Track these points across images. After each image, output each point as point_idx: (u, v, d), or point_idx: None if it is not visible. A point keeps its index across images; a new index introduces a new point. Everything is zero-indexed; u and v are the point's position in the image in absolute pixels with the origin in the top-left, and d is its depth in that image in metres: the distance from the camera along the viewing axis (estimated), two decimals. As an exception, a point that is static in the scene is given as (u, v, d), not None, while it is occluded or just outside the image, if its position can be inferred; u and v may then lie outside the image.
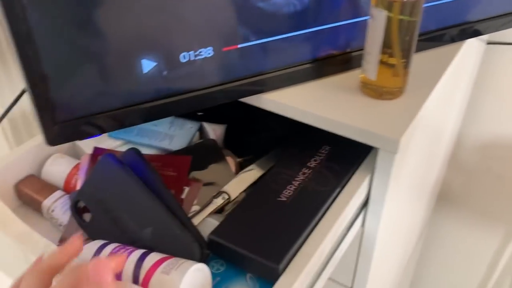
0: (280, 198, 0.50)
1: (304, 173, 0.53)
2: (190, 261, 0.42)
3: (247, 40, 0.50)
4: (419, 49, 0.60)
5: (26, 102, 0.55)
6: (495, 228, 1.10)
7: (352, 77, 0.57)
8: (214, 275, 0.46)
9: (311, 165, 0.54)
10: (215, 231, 0.47)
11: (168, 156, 0.58)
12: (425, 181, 0.82)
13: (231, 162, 0.59)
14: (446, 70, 0.58)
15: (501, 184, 1.03)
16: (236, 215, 0.49)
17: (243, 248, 0.44)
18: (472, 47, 0.72)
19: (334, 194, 0.50)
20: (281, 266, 0.42)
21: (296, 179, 0.52)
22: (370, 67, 0.52)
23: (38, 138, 0.59)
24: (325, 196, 0.50)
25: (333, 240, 0.49)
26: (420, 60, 0.58)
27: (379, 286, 0.76)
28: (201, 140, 0.63)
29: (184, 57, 0.47)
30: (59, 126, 0.44)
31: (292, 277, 0.41)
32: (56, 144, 0.46)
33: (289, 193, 0.50)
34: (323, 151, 0.57)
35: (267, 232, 0.46)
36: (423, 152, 0.67)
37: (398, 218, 0.67)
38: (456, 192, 1.11)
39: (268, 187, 0.52)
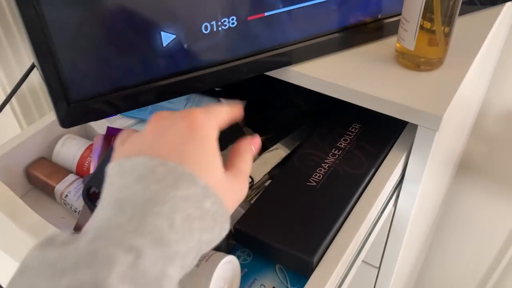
0: (310, 182, 0.46)
1: (334, 155, 0.49)
2: (220, 253, 0.39)
3: (274, 7, 0.45)
4: (460, 13, 0.55)
5: (35, 77, 0.51)
6: (517, 199, 1.07)
7: (385, 46, 0.52)
8: (241, 266, 0.43)
9: (341, 146, 0.50)
10: (241, 221, 0.43)
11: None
12: (454, 153, 0.78)
13: (253, 140, 0.55)
14: (486, 37, 0.53)
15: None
16: (263, 202, 0.45)
17: (272, 239, 0.41)
18: (508, 11, 0.66)
19: (368, 178, 0.46)
20: (315, 259, 0.39)
21: (326, 161, 0.49)
22: (408, 35, 0.47)
23: (47, 118, 0.55)
24: (358, 180, 0.46)
25: (368, 225, 0.45)
26: (459, 26, 0.54)
27: (406, 261, 0.73)
28: (220, 117, 0.59)
29: (206, 28, 0.43)
30: (73, 107, 0.41)
31: (327, 270, 0.38)
32: (71, 126, 0.42)
33: (318, 177, 0.47)
34: (353, 130, 0.53)
35: (297, 221, 0.42)
36: (457, 125, 0.63)
37: (430, 195, 0.64)
38: (477, 161, 1.07)
39: (295, 170, 0.48)
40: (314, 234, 0.40)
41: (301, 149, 0.51)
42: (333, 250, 0.40)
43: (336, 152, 0.50)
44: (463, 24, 0.55)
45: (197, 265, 0.38)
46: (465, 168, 1.09)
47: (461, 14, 0.56)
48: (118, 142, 0.35)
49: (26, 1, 0.35)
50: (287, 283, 0.41)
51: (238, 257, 0.44)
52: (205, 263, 0.38)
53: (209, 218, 0.29)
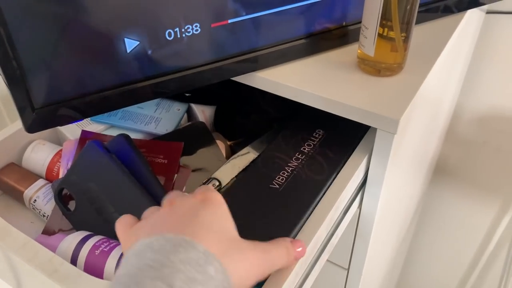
0: (273, 185, 0.47)
1: (297, 159, 0.50)
2: None
3: (237, 14, 0.46)
4: (418, 21, 0.57)
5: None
6: (491, 201, 1.09)
7: (349, 52, 0.54)
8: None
9: (305, 150, 0.52)
10: None
11: (159, 142, 0.55)
12: (423, 156, 0.80)
13: (221, 146, 0.56)
14: (447, 43, 0.55)
15: (498, 156, 1.01)
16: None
17: None
18: (472, 17, 0.68)
19: (328, 183, 0.47)
20: None
21: (290, 165, 0.50)
22: (368, 42, 0.48)
23: (17, 124, 0.56)
24: (319, 185, 0.47)
25: (329, 226, 0.46)
26: (419, 33, 0.55)
27: (376, 263, 0.75)
28: (189, 123, 0.60)
29: (169, 34, 0.44)
30: (38, 112, 0.41)
31: (286, 268, 0.39)
32: (36, 131, 0.43)
33: (281, 179, 0.48)
34: (316, 136, 0.54)
35: (259, 223, 0.43)
36: (423, 129, 0.64)
37: (396, 197, 0.65)
38: (453, 165, 1.09)
39: (258, 173, 0.49)
40: (275, 236, 0.41)
41: (266, 151, 0.52)
42: (293, 250, 0.41)
43: (299, 156, 0.51)
44: (424, 30, 0.56)
45: None
46: (441, 171, 1.12)
47: (422, 21, 0.58)
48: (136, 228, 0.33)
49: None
50: (249, 283, 0.42)
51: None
52: None
53: (213, 285, 0.27)
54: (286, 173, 0.48)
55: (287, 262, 0.38)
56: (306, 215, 0.44)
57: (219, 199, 0.35)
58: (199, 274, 0.26)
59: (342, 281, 0.66)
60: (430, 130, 0.75)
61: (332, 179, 0.48)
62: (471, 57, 0.90)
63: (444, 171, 1.11)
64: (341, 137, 0.52)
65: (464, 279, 1.29)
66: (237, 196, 0.47)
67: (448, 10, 0.59)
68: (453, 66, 0.70)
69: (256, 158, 0.52)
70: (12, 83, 0.39)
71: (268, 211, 0.44)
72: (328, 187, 0.47)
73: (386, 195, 0.55)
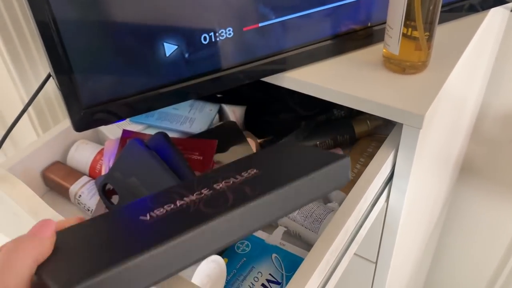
0: (144, 216, 0.36)
1: (200, 193, 0.38)
2: None
3: (267, 18, 0.49)
4: (442, 20, 0.59)
5: (50, 88, 0.56)
6: (519, 200, 1.09)
7: (374, 52, 0.56)
8: (240, 256, 0.46)
9: (217, 187, 0.38)
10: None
11: (194, 140, 0.58)
12: (449, 153, 0.81)
13: (252, 143, 0.59)
14: (470, 41, 0.56)
15: (525, 155, 1.01)
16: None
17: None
18: (496, 16, 0.70)
19: (210, 220, 0.33)
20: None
21: (185, 199, 0.37)
22: (393, 41, 0.51)
23: (62, 125, 0.60)
24: (200, 218, 0.33)
25: (358, 217, 0.49)
26: (444, 32, 0.57)
27: (404, 260, 0.76)
28: (221, 122, 0.63)
29: (205, 38, 0.47)
30: (85, 112, 0.45)
31: (317, 257, 0.42)
32: (83, 130, 0.46)
33: (161, 212, 0.36)
34: (247, 173, 0.40)
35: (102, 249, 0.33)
36: (447, 125, 0.66)
37: (422, 191, 0.67)
38: (479, 164, 1.09)
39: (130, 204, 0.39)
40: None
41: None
42: (322, 240, 0.43)
43: (204, 191, 0.38)
44: (448, 29, 0.58)
45: None
46: (467, 171, 1.12)
47: (446, 20, 0.59)
48: None
49: (44, 24, 0.39)
50: (282, 270, 0.44)
51: (237, 248, 0.47)
52: None
53: None
54: (169, 207, 0.36)
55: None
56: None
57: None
58: None
59: (371, 275, 0.67)
60: (455, 128, 0.76)
61: (218, 220, 0.33)
62: (496, 55, 0.90)
63: (470, 170, 1.11)
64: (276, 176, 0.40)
65: (492, 279, 1.28)
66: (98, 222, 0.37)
67: (472, 9, 0.60)
68: (477, 64, 0.72)
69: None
70: (63, 86, 0.43)
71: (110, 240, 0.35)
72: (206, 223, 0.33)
73: (412, 189, 0.57)
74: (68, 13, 0.40)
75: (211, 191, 0.37)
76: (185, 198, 0.37)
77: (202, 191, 0.38)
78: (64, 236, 0.34)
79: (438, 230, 1.20)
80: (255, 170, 0.40)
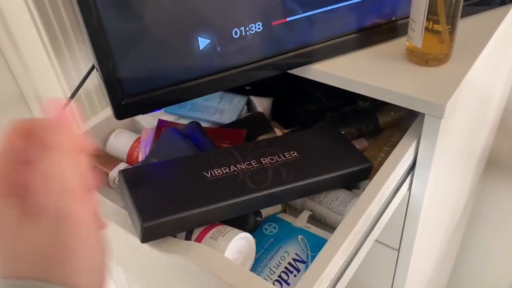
0: (206, 174, 0.48)
1: (249, 164, 0.50)
2: (236, 230, 0.45)
3: (295, 13, 0.52)
4: (466, 14, 0.60)
5: (89, 82, 0.60)
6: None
7: (398, 45, 0.58)
8: (267, 237, 0.49)
9: (263, 161, 0.51)
10: (145, 217, 0.43)
11: (225, 130, 0.62)
12: (473, 146, 0.82)
13: (278, 133, 0.62)
14: (493, 35, 0.58)
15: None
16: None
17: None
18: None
19: (248, 197, 0.46)
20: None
21: (237, 165, 0.50)
22: (416, 35, 0.53)
23: (100, 115, 0.64)
24: (242, 193, 0.46)
25: (380, 203, 0.51)
26: (467, 25, 0.59)
27: (426, 250, 0.78)
28: (249, 113, 0.66)
29: (236, 33, 0.50)
30: (126, 101, 0.48)
31: (341, 237, 0.44)
32: (124, 118, 0.50)
33: (218, 173, 0.48)
34: (287, 155, 0.52)
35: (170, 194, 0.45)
36: (470, 117, 0.67)
37: (445, 182, 0.68)
38: (506, 158, 1.09)
39: (204, 160, 0.50)
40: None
41: (229, 148, 0.52)
42: (348, 220, 0.46)
43: (253, 163, 0.50)
44: (473, 22, 0.59)
45: (215, 239, 0.44)
46: (494, 165, 1.12)
47: (470, 14, 0.61)
48: None
49: (90, 19, 0.43)
50: (307, 250, 0.47)
51: (265, 230, 0.50)
52: (222, 237, 0.44)
53: None
54: (226, 170, 0.49)
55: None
56: (187, 210, 0.44)
57: (76, 215, 0.26)
58: None
59: (393, 262, 0.69)
60: (479, 121, 0.77)
61: (256, 195, 0.47)
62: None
63: (496, 165, 1.11)
64: (308, 166, 0.51)
65: (519, 274, 1.28)
66: (162, 170, 0.48)
67: (495, 3, 0.61)
68: (502, 57, 0.73)
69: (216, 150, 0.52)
70: (107, 77, 0.47)
71: (173, 190, 0.46)
72: (247, 199, 0.46)
73: (434, 179, 0.59)
74: (112, 8, 0.44)
75: (257, 165, 0.50)
76: (237, 165, 0.50)
77: (251, 162, 0.50)
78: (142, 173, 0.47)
79: (463, 223, 1.20)
80: (296, 154, 0.52)
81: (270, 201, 0.49)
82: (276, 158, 0.51)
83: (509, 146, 1.07)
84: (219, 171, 0.48)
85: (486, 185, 1.16)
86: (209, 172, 0.48)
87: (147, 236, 0.43)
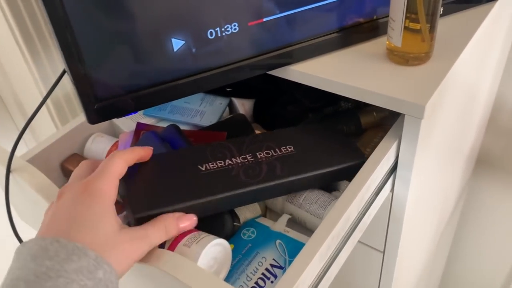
0: (200, 167, 0.48)
1: (244, 158, 0.50)
2: (211, 236, 0.44)
3: (272, 13, 0.51)
4: (448, 12, 0.60)
5: (68, 83, 0.59)
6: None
7: (380, 44, 0.57)
8: (245, 242, 0.48)
9: (259, 155, 0.51)
10: (135, 208, 0.44)
11: (205, 132, 0.61)
12: (460, 144, 0.81)
13: (261, 134, 0.61)
14: (475, 32, 0.57)
15: (541, 146, 1.00)
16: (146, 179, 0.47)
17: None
18: (507, 6, 0.70)
19: (244, 190, 0.47)
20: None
21: (232, 159, 0.50)
22: (395, 34, 0.52)
23: (79, 119, 0.63)
24: (235, 186, 0.47)
25: (360, 205, 0.50)
26: (449, 23, 0.58)
27: (413, 250, 0.77)
28: (231, 115, 0.65)
29: (211, 33, 0.49)
30: (98, 105, 0.47)
31: (318, 242, 0.43)
32: (97, 122, 0.48)
33: (212, 166, 0.49)
34: (283, 150, 0.52)
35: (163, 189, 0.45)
36: (456, 116, 0.66)
37: (430, 182, 0.68)
38: (496, 156, 1.09)
39: (200, 153, 0.50)
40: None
41: (226, 142, 0.52)
42: (324, 226, 0.45)
43: (248, 157, 0.50)
44: (454, 20, 0.59)
45: (189, 246, 0.42)
46: (484, 163, 1.11)
47: (451, 12, 0.60)
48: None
49: (59, 22, 0.42)
50: (285, 255, 0.46)
51: (243, 235, 0.49)
52: (196, 244, 0.42)
53: (102, 286, 0.32)
54: (221, 163, 0.49)
55: (165, 238, 0.41)
56: (185, 202, 0.44)
57: (99, 189, 0.38)
58: (89, 281, 0.31)
59: (379, 264, 0.68)
60: (466, 119, 0.76)
61: (249, 189, 0.47)
62: (511, 46, 0.90)
63: (486, 163, 1.11)
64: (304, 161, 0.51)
65: (511, 272, 1.27)
66: (158, 162, 0.48)
67: (475, 1, 0.60)
68: (487, 54, 0.72)
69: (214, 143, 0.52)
70: (77, 80, 0.46)
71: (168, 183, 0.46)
72: (240, 193, 0.47)
73: (417, 179, 0.58)
74: (80, 9, 0.42)
75: (252, 159, 0.50)
76: (233, 159, 0.50)
77: (247, 156, 0.50)
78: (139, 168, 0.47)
79: (453, 222, 1.20)
80: (292, 148, 0.52)
81: (263, 195, 0.49)
82: (272, 153, 0.51)
83: (499, 143, 1.07)
84: (214, 164, 0.49)
85: (476, 183, 1.16)
86: (203, 165, 0.48)
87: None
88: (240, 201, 0.48)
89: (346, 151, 0.54)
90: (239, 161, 0.49)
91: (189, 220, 0.43)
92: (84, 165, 0.44)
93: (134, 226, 0.40)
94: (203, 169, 0.48)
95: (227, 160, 0.49)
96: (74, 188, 0.38)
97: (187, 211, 0.44)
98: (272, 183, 0.48)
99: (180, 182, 0.47)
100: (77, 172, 0.43)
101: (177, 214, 0.43)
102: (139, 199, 0.44)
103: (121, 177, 0.42)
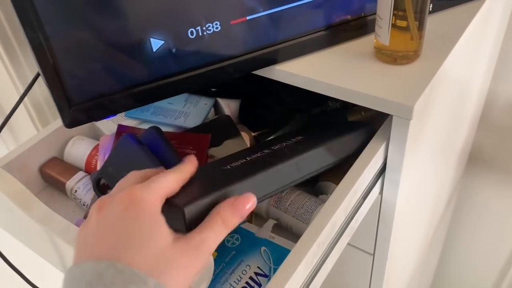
0: (226, 167, 0.47)
1: (262, 152, 0.50)
2: None
3: (255, 11, 0.49)
4: (437, 9, 0.58)
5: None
6: (528, 189, 1.07)
7: (367, 42, 0.55)
8: (229, 249, 0.47)
9: (274, 147, 0.52)
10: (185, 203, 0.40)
11: (188, 134, 0.59)
12: (451, 143, 0.80)
13: (246, 137, 0.59)
14: (465, 30, 0.55)
15: (533, 143, 0.99)
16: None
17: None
18: (498, 1, 0.68)
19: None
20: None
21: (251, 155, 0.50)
22: (383, 32, 0.50)
23: (59, 121, 0.60)
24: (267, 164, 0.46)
25: (348, 209, 0.48)
26: (438, 21, 0.56)
27: (404, 252, 0.76)
28: (216, 116, 0.63)
29: (192, 33, 0.47)
30: (75, 109, 0.45)
31: (303, 249, 0.42)
32: (74, 126, 0.47)
33: (238, 164, 0.47)
34: (292, 139, 0.54)
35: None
36: (447, 114, 0.65)
37: (420, 184, 0.66)
38: (488, 153, 1.08)
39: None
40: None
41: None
42: (309, 232, 0.43)
43: (264, 151, 0.51)
44: (444, 17, 0.57)
45: None
46: (476, 160, 1.10)
47: (441, 9, 0.58)
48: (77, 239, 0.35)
49: (29, 21, 0.40)
50: (270, 263, 0.45)
51: (227, 242, 0.48)
52: None
53: None
54: (243, 161, 0.48)
55: (226, 231, 0.36)
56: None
57: (145, 199, 0.34)
58: None
59: (369, 267, 0.67)
60: (458, 117, 0.75)
61: (283, 164, 0.47)
62: (502, 42, 0.89)
63: (478, 160, 1.10)
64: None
65: (504, 269, 1.27)
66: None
67: (466, -3, 0.59)
68: (478, 51, 0.70)
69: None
70: (51, 84, 0.44)
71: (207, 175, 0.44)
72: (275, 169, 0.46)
73: (407, 181, 0.56)
74: (53, 11, 0.41)
75: (271, 150, 0.50)
76: (252, 155, 0.49)
77: (264, 150, 0.50)
78: None
79: (446, 221, 1.19)
80: (301, 137, 0.54)
81: (296, 171, 0.48)
82: (285, 143, 0.53)
83: (491, 140, 1.06)
84: (237, 163, 0.47)
85: (468, 181, 1.15)
86: (227, 166, 0.47)
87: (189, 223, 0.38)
88: (279, 179, 0.46)
89: (355, 124, 0.56)
90: (259, 155, 0.49)
91: (247, 200, 0.37)
92: (133, 176, 0.39)
93: (188, 233, 0.35)
94: (228, 167, 0.46)
95: (247, 157, 0.48)
96: (117, 199, 0.34)
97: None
98: (300, 155, 0.48)
99: (212, 176, 0.44)
100: (122, 183, 0.39)
101: (230, 200, 0.37)
102: (180, 195, 0.38)
103: (169, 197, 0.37)
